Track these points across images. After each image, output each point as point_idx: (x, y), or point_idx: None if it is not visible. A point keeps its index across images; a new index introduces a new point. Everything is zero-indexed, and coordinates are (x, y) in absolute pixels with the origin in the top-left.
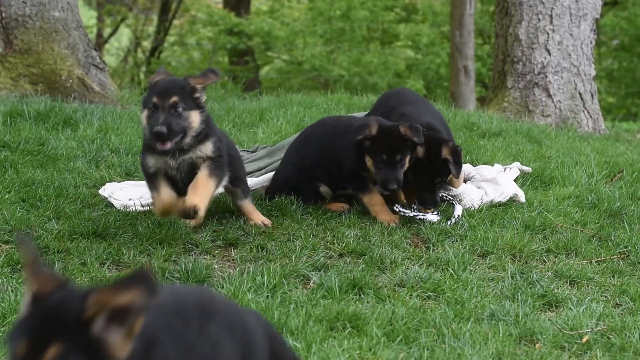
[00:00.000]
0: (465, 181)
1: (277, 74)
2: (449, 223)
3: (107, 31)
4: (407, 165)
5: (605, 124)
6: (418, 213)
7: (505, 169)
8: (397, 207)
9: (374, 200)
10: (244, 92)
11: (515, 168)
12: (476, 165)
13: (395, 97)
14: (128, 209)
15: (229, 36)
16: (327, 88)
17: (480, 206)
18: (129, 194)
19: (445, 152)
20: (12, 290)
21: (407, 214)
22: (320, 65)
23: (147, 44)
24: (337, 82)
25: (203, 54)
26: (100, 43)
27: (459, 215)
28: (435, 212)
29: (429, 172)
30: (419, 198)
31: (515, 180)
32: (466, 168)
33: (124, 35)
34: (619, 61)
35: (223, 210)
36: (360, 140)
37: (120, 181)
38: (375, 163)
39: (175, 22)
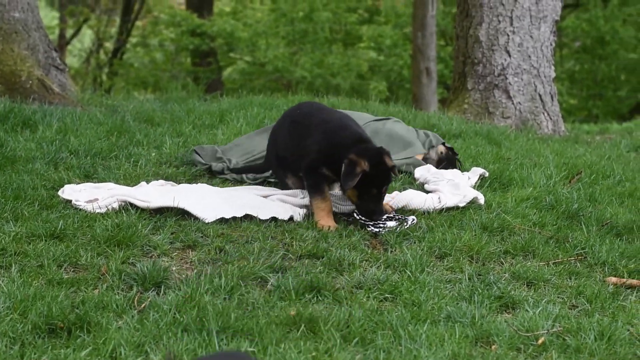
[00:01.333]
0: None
1: (240, 75)
2: (405, 226)
3: (69, 32)
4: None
5: (566, 126)
6: (377, 222)
7: (465, 175)
8: (356, 213)
9: (323, 206)
10: (206, 94)
11: (475, 175)
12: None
13: (308, 109)
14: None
15: (191, 37)
16: (289, 89)
17: (435, 210)
18: (89, 195)
19: (388, 161)
20: None
21: (367, 222)
22: (283, 66)
23: (109, 45)
24: (300, 83)
25: (166, 55)
26: (62, 44)
27: (413, 219)
28: (391, 218)
29: (377, 183)
30: (367, 210)
31: (475, 183)
32: (423, 172)
33: (87, 36)
34: (581, 63)
35: (180, 212)
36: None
37: (79, 183)
38: (361, 195)
39: (138, 23)
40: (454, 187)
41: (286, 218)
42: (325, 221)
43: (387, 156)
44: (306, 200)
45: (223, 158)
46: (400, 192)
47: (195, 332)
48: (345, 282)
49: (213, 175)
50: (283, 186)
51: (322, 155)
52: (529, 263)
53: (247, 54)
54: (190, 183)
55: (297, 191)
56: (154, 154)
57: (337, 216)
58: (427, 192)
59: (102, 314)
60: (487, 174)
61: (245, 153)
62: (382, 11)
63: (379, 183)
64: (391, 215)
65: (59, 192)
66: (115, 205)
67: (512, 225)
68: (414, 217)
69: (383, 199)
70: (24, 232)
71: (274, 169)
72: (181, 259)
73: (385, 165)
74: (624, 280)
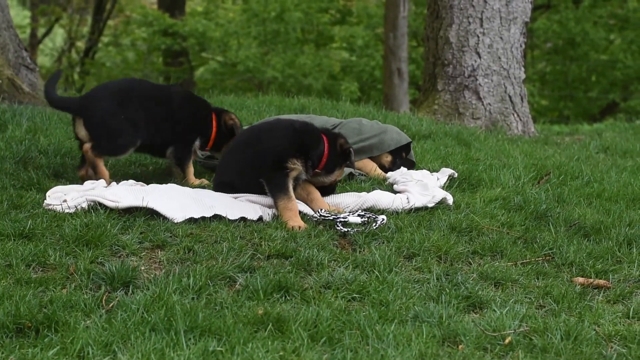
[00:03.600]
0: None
1: (212, 75)
2: (374, 226)
3: (41, 31)
4: None
5: (536, 127)
6: (338, 216)
7: (434, 175)
8: (318, 212)
9: (290, 206)
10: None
11: (444, 175)
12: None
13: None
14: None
15: (163, 37)
16: (261, 89)
17: (404, 210)
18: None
19: (342, 142)
20: None
21: (327, 218)
22: (255, 66)
23: (81, 45)
24: (272, 83)
25: (138, 55)
26: (34, 43)
27: (383, 219)
28: (357, 214)
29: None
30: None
31: (444, 184)
32: (392, 172)
33: (58, 35)
34: (552, 64)
35: (150, 212)
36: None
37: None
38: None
39: (110, 22)
40: (422, 188)
41: (255, 218)
42: (294, 222)
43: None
44: None
45: None
46: (369, 192)
47: (163, 332)
48: (314, 281)
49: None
50: None
51: (290, 148)
52: (497, 263)
53: (218, 54)
54: (159, 183)
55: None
56: None
57: (304, 216)
58: (396, 192)
59: (70, 314)
60: (456, 175)
61: None
62: (354, 12)
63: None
64: (362, 213)
65: (48, 200)
66: (85, 205)
67: (481, 225)
68: (384, 216)
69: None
70: None
71: None
72: (150, 259)
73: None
74: (591, 280)
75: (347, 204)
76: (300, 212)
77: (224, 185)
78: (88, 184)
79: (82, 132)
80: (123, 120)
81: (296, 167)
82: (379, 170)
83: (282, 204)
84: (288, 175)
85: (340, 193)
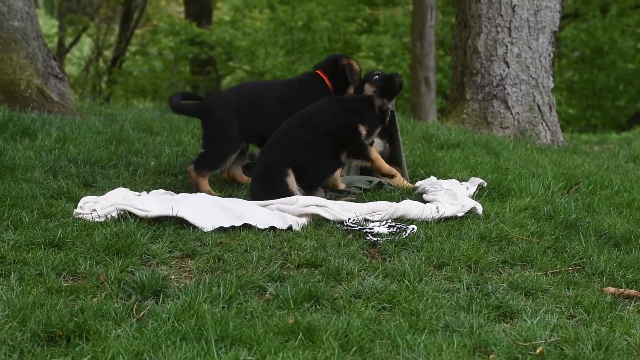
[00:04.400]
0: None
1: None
2: (404, 235)
3: (68, 40)
4: None
5: (564, 136)
6: (365, 227)
7: (463, 185)
8: (346, 222)
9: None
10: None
11: (474, 185)
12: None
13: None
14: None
15: (190, 46)
16: None
17: (433, 220)
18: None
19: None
20: None
21: (354, 229)
22: (282, 75)
23: (108, 54)
24: None
25: (165, 64)
26: (61, 52)
27: (413, 228)
28: (386, 225)
29: None
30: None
31: (473, 193)
32: (421, 182)
33: (86, 44)
34: (579, 73)
35: (179, 221)
36: None
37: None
38: None
39: (137, 31)
40: (452, 197)
41: (285, 227)
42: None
43: None
44: (308, 209)
45: None
46: (398, 202)
47: (193, 341)
48: (344, 291)
49: (211, 184)
50: None
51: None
52: (527, 273)
53: (246, 62)
54: (189, 192)
55: (294, 198)
56: (152, 163)
57: (333, 226)
58: (425, 202)
59: (101, 322)
60: (485, 184)
61: None
62: (381, 21)
63: None
64: (392, 223)
65: (78, 209)
66: (114, 214)
67: (510, 235)
68: (414, 226)
69: None
70: (23, 241)
71: None
72: (180, 268)
73: None
74: (622, 290)
75: (379, 210)
76: (324, 219)
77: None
78: (119, 192)
79: None
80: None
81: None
82: (407, 182)
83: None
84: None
85: (372, 201)
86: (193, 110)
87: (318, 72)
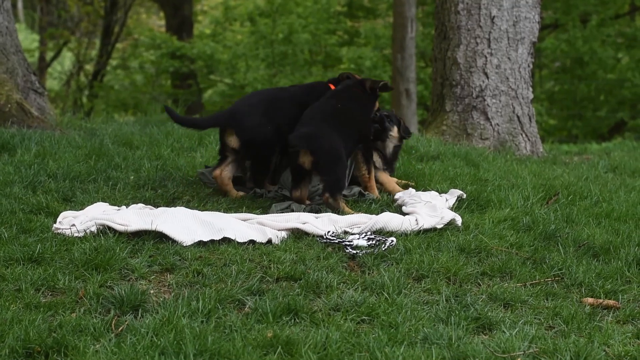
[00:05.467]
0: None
1: (220, 97)
2: (383, 248)
3: (49, 54)
4: None
5: (544, 147)
6: (344, 239)
7: (442, 197)
8: (325, 235)
9: None
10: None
11: (453, 196)
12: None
13: None
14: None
15: (171, 60)
16: None
17: (413, 232)
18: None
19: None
20: None
21: (333, 241)
22: (263, 88)
23: (89, 68)
24: None
25: (146, 78)
26: (42, 67)
27: (392, 241)
28: (365, 237)
29: None
30: None
31: (452, 205)
32: (401, 194)
33: (67, 58)
34: (560, 83)
35: (159, 235)
36: None
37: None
38: None
39: (118, 45)
40: (431, 209)
41: (264, 241)
42: None
43: None
44: (288, 224)
45: None
46: (378, 214)
47: (172, 356)
48: (323, 304)
49: (191, 198)
50: None
51: None
52: (506, 284)
53: (227, 76)
54: (168, 206)
55: (278, 215)
56: (132, 177)
57: (313, 239)
58: (405, 214)
59: (80, 338)
60: (464, 196)
61: None
62: (361, 33)
63: None
64: (371, 236)
65: (57, 225)
66: (94, 229)
67: (490, 246)
68: (393, 238)
69: None
70: (1, 256)
71: None
72: (159, 282)
73: None
74: (601, 300)
75: (359, 222)
76: (308, 233)
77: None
78: (98, 207)
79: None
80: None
81: None
82: (397, 187)
83: None
84: None
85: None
86: (218, 120)
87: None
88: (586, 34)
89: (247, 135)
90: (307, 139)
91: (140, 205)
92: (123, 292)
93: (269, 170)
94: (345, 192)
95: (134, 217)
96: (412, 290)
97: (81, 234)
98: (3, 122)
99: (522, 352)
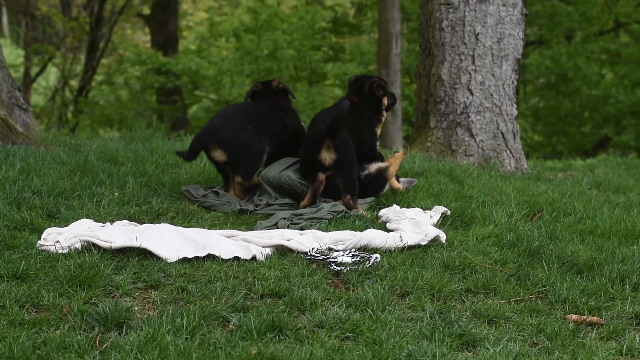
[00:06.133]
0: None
1: (205, 113)
2: (367, 264)
3: (34, 70)
4: None
5: (529, 163)
6: (328, 256)
7: (426, 213)
8: (310, 252)
9: None
10: (171, 132)
11: (437, 213)
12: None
13: None
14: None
15: (156, 75)
16: None
17: (397, 249)
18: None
19: None
20: None
21: (317, 258)
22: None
23: (74, 83)
24: None
25: (131, 93)
26: (27, 82)
27: (377, 257)
28: (349, 254)
29: None
30: None
31: (437, 221)
32: (385, 211)
33: (52, 74)
34: (545, 99)
35: (143, 252)
36: None
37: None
38: None
39: (103, 61)
40: (415, 226)
41: (249, 257)
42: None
43: None
44: (272, 241)
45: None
46: (362, 231)
47: None
48: (307, 321)
49: (176, 214)
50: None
51: None
52: (490, 301)
53: (212, 91)
54: (153, 222)
55: (262, 232)
56: (117, 194)
57: (297, 255)
58: (389, 230)
59: (64, 355)
60: (449, 212)
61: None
62: (346, 49)
63: None
64: (355, 252)
65: (41, 242)
66: (78, 246)
67: (474, 263)
68: (377, 255)
69: None
70: None
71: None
72: (143, 299)
73: None
74: (584, 317)
75: (343, 239)
76: (292, 250)
77: None
78: (83, 223)
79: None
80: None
81: None
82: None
83: None
84: None
85: (336, 231)
86: (199, 141)
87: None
88: (570, 50)
89: (231, 143)
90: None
91: (125, 221)
92: (107, 309)
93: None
94: (326, 215)
95: (119, 233)
96: (397, 307)
97: (66, 251)
98: None
99: None
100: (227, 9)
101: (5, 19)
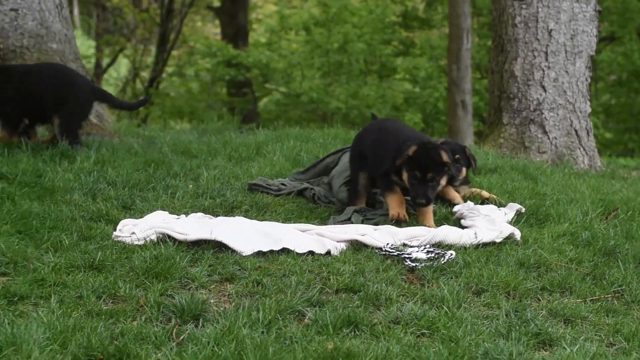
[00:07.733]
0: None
1: (275, 106)
2: (442, 261)
3: (105, 61)
4: (440, 185)
5: (602, 160)
6: (403, 252)
7: (501, 210)
8: (384, 248)
9: (394, 198)
10: (242, 124)
11: (512, 210)
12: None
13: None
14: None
15: (227, 68)
16: (325, 120)
17: (472, 245)
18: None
19: (444, 157)
20: (8, 323)
21: (392, 254)
22: (318, 97)
23: (145, 75)
24: (335, 114)
25: (201, 85)
26: (98, 73)
27: (452, 254)
28: (424, 250)
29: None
30: (413, 194)
31: (511, 219)
32: (460, 207)
33: (123, 65)
34: (616, 96)
35: (218, 245)
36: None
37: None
38: (409, 178)
39: (174, 53)
40: (490, 223)
41: (323, 252)
42: (396, 210)
43: (439, 148)
44: (347, 236)
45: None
46: (437, 227)
47: None
48: (383, 316)
49: (250, 207)
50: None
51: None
52: (566, 300)
53: (282, 84)
54: (227, 215)
55: (337, 227)
56: (191, 186)
57: (372, 251)
58: (464, 227)
59: (141, 346)
60: (523, 210)
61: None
62: (417, 43)
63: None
64: (430, 249)
65: (116, 232)
66: (154, 237)
67: (549, 261)
68: (452, 251)
69: (430, 187)
70: (63, 263)
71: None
72: (219, 292)
73: (429, 152)
74: None
75: (418, 235)
76: (367, 245)
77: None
78: (158, 215)
79: None
80: None
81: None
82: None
83: (389, 197)
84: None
85: (410, 227)
86: None
87: None
88: None
89: None
90: None
91: (200, 214)
92: (184, 301)
93: None
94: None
95: (194, 226)
96: (472, 304)
97: (141, 242)
98: None
99: None
100: (297, 2)
101: (76, 11)
